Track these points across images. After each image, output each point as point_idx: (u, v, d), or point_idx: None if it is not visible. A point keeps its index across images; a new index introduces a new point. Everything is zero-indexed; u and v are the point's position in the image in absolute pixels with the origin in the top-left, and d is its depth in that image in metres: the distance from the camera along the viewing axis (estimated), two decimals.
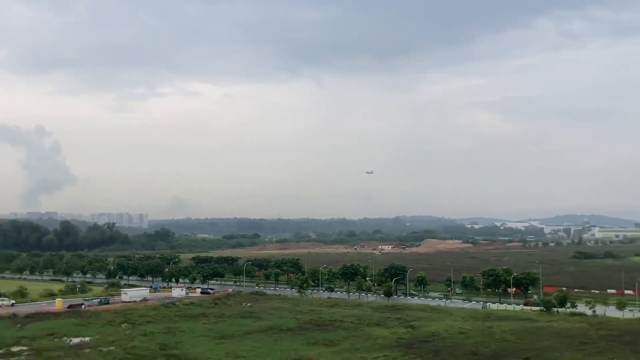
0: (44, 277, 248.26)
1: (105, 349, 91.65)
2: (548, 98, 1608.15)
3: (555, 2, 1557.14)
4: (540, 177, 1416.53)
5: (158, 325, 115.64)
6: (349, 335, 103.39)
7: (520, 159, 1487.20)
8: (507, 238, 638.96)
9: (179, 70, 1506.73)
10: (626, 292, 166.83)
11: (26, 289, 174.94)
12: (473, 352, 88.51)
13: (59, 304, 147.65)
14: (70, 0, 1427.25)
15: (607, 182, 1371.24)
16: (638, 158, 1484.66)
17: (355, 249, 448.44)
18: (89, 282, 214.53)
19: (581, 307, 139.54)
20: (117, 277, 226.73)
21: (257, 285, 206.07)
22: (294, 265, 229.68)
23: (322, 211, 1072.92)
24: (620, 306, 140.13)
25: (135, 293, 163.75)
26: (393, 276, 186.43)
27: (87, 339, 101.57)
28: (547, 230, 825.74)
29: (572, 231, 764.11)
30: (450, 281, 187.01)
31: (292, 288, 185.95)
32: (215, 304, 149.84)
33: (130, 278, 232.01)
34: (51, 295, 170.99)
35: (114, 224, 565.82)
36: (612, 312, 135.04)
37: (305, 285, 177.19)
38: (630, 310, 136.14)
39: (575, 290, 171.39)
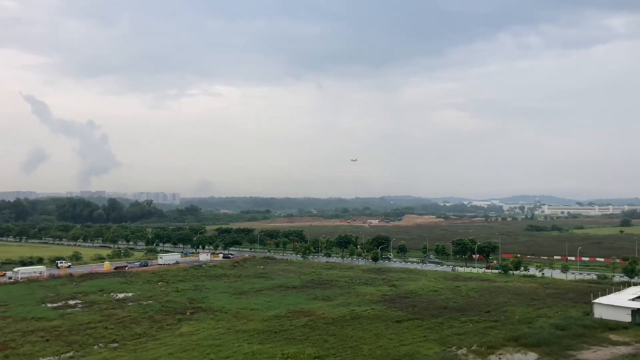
0: (95, 244, 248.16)
1: (144, 303, 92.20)
2: (508, 99, 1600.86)
3: (513, 19, 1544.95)
4: (501, 164, 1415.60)
5: (187, 283, 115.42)
6: (343, 292, 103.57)
7: (485, 149, 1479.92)
8: (472, 214, 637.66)
9: (205, 74, 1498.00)
10: (569, 258, 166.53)
11: (80, 254, 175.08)
12: (444, 306, 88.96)
13: (107, 265, 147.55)
14: (115, 16, 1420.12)
15: (555, 169, 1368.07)
16: (580, 149, 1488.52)
17: (349, 222, 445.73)
18: (131, 248, 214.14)
19: (532, 270, 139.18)
20: (154, 245, 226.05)
21: (268, 251, 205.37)
22: (299, 235, 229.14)
23: (322, 192, 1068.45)
24: (564, 270, 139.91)
25: (169, 257, 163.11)
26: (379, 244, 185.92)
27: (129, 294, 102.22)
28: (505, 207, 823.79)
29: (525, 208, 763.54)
30: (426, 249, 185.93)
31: (297, 254, 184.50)
32: (234, 266, 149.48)
33: (164, 245, 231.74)
34: (100, 259, 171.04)
35: (151, 201, 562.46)
36: (557, 274, 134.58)
37: (307, 251, 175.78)
38: (572, 273, 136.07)
39: (528, 256, 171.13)
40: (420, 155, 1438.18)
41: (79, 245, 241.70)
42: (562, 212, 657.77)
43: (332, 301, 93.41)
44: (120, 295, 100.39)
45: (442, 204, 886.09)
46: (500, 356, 58.13)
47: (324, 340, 64.04)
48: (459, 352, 59.69)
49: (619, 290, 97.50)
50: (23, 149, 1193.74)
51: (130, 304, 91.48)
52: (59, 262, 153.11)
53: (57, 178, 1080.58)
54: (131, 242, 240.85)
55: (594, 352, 60.06)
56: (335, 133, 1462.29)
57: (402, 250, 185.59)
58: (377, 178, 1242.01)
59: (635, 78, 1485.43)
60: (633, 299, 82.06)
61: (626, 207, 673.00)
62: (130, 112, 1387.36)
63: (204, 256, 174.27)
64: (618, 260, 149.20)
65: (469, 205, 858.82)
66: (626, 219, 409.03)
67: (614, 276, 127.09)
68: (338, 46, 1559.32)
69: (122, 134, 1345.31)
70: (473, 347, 61.40)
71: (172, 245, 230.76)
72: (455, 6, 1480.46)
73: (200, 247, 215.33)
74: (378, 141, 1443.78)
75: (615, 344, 63.71)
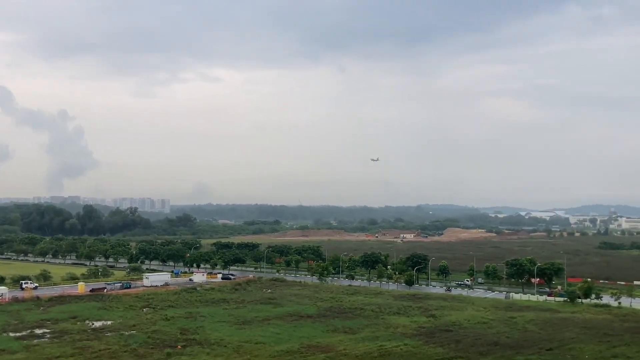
0: (67, 261, 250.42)
1: (126, 333, 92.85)
2: (575, 85, 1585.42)
3: None
4: (566, 165, 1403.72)
5: (179, 309, 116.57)
6: (370, 323, 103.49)
7: (545, 148, 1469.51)
8: (531, 228, 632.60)
9: (201, 55, 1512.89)
10: None
11: (49, 273, 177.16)
12: (495, 342, 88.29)
13: (81, 287, 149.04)
14: None
15: (634, 172, 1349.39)
16: None
17: (377, 237, 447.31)
18: (111, 266, 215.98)
19: (606, 299, 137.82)
20: (139, 262, 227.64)
21: (277, 271, 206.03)
22: (315, 252, 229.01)
23: (343, 198, 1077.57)
24: None
25: (156, 277, 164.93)
26: (414, 265, 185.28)
27: (108, 322, 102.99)
28: (572, 220, 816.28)
29: (598, 221, 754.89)
30: (473, 271, 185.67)
31: (313, 275, 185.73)
32: (236, 289, 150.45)
33: (151, 263, 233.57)
34: (74, 279, 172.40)
35: (136, 208, 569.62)
36: (638, 304, 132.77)
37: (325, 272, 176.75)
38: None
39: (601, 281, 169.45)
40: (465, 154, 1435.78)
41: (48, 262, 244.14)
42: None
43: (355, 334, 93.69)
44: (97, 324, 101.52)
45: (493, 215, 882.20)
46: None
47: None
48: None
49: None
50: None
51: (109, 334, 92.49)
52: (23, 282, 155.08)
53: (22, 180, 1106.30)
54: (111, 259, 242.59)
55: None
56: (360, 127, 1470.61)
57: (443, 272, 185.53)
58: (412, 182, 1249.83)
59: None
60: None
61: None
62: (110, 100, 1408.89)
63: (199, 277, 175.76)
64: None
65: (526, 217, 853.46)
66: None
67: None
68: (363, 20, 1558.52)
69: (100, 127, 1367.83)
70: None
71: (161, 263, 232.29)
72: None
73: (195, 265, 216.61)
74: (413, 137, 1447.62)
75: None
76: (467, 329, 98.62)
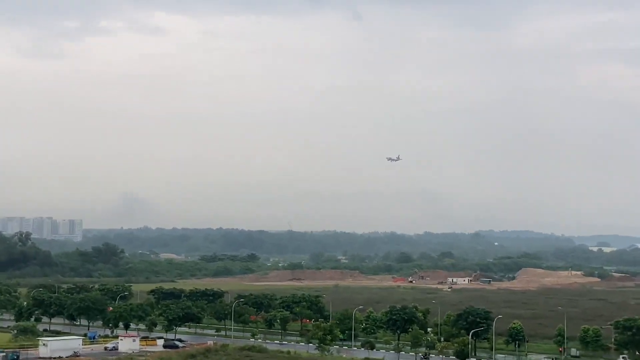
0: None
1: None
2: None
3: None
4: None
5: None
6: None
7: None
8: None
9: None
10: None
11: None
12: None
13: None
14: None
15: None
16: None
17: (411, 281, 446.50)
18: None
19: None
20: (32, 319, 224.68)
21: (253, 336, 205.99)
22: (313, 305, 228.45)
23: (358, 220, 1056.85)
24: None
25: (60, 345, 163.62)
26: (470, 327, 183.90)
27: None
28: None
29: None
30: (563, 337, 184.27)
31: (309, 342, 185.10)
32: None
33: (53, 320, 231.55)
34: None
35: (29, 234, 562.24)
36: None
37: (329, 337, 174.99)
38: None
39: None
40: (552, 154, 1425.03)
41: None
42: None
43: None
44: None
45: (594, 249, 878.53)
46: None
47: None
48: None
49: None
50: None
51: None
52: None
53: None
54: None
55: None
56: (385, 107, 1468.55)
57: (515, 339, 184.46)
58: (467, 196, 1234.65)
59: None
60: None
61: None
62: None
63: (129, 343, 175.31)
64: None
65: None
66: None
67: None
68: None
69: None
70: None
71: (68, 322, 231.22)
72: None
73: (122, 325, 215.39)
74: (467, 124, 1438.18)
75: None
76: None
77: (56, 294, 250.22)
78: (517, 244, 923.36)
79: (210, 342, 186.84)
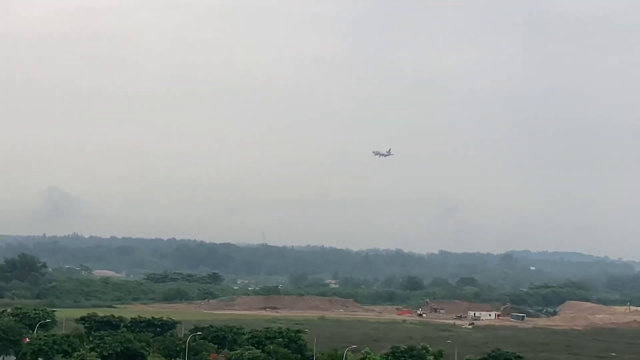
0: None
1: None
2: None
3: None
4: None
5: None
6: None
7: None
8: None
9: None
10: None
11: None
12: None
13: None
14: None
15: None
16: None
17: (421, 314, 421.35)
18: None
19: None
20: None
21: None
22: (291, 342, 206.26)
23: (353, 234, 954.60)
24: None
25: None
26: None
27: None
28: None
29: None
30: None
31: None
32: None
33: None
34: None
35: None
36: None
37: None
38: None
39: None
40: (608, 154, 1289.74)
41: None
42: None
43: None
44: None
45: None
46: None
47: None
48: None
49: None
50: None
51: None
52: None
53: None
54: None
55: None
56: (389, 86, 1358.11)
57: None
58: (494, 206, 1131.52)
59: None
60: None
61: None
62: None
63: None
64: None
65: None
66: None
67: None
68: None
69: None
70: None
71: None
72: None
73: None
74: (498, 111, 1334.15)
75: None
76: None
77: None
78: (559, 269, 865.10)
79: None
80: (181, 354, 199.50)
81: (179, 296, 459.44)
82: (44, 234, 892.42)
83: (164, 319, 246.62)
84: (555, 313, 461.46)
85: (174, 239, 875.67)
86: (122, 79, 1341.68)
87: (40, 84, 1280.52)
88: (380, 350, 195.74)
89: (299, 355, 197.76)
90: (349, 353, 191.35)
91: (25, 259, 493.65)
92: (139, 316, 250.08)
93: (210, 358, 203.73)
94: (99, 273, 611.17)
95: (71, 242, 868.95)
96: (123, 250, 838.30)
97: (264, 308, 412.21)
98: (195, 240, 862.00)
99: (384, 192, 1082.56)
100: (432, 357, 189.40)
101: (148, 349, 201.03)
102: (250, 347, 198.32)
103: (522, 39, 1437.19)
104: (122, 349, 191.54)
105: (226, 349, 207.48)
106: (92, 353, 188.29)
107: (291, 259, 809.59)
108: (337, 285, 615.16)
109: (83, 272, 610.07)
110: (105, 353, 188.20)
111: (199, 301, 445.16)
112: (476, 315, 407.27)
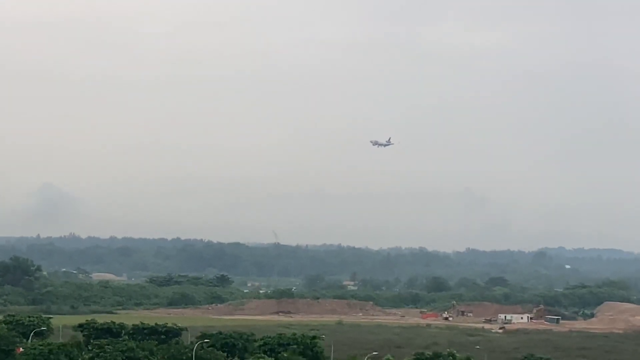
0: None
1: None
2: None
3: None
4: None
5: None
6: None
7: None
8: None
9: None
10: None
11: None
12: None
13: None
14: None
15: None
16: None
17: (447, 318, 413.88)
18: None
19: None
20: None
21: None
22: (306, 349, 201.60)
23: (373, 232, 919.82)
24: None
25: None
26: None
27: None
28: None
29: None
30: None
31: None
32: None
33: None
34: None
35: None
36: None
37: None
38: None
39: None
40: None
41: None
42: None
43: None
44: None
45: None
46: None
47: None
48: None
49: None
50: None
51: None
52: None
53: None
54: None
55: None
56: (412, 68, 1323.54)
57: None
58: (526, 200, 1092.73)
59: None
60: None
61: None
62: None
63: None
64: None
65: None
66: None
67: None
68: None
69: None
70: None
71: None
72: None
73: None
74: (533, 97, 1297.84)
75: None
76: None
77: None
78: (597, 267, 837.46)
79: None
80: None
81: (185, 301, 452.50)
82: (38, 234, 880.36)
83: (169, 325, 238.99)
84: (592, 315, 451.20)
85: (178, 238, 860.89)
86: (122, 68, 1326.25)
87: (31, 74, 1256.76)
88: (403, 357, 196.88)
89: None
90: None
91: (18, 262, 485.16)
92: (142, 322, 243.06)
93: None
94: (98, 276, 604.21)
95: (67, 244, 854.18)
96: (123, 251, 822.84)
97: (277, 312, 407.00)
98: (201, 240, 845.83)
99: (405, 185, 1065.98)
100: None
101: (152, 357, 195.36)
102: (262, 355, 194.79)
103: (560, 18, 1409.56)
104: (124, 358, 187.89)
105: (236, 357, 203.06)
106: None
107: (305, 259, 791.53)
108: (356, 287, 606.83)
109: (80, 275, 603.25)
110: None
111: (207, 306, 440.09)
112: (507, 318, 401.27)
